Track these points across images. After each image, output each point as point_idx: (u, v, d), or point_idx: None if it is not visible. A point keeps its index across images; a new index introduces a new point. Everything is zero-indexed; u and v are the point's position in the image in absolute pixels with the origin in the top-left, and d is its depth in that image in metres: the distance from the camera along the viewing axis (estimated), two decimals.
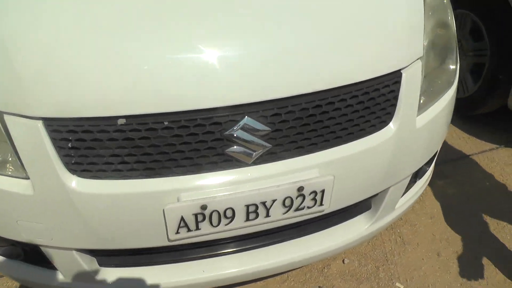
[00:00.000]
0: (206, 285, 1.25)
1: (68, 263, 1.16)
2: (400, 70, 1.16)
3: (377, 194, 1.32)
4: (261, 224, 1.11)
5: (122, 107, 0.95)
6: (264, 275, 1.32)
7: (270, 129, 1.02)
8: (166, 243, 1.10)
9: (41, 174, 0.99)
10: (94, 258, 1.20)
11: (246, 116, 1.00)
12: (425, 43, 1.26)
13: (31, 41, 0.95)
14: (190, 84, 0.95)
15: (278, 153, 1.06)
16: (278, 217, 1.11)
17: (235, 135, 1.00)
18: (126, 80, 0.94)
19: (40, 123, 0.96)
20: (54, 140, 0.97)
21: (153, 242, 1.10)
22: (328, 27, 1.06)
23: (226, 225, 1.07)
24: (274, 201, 1.07)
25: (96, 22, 0.97)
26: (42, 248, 1.13)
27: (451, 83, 1.41)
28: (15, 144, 0.97)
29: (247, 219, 1.08)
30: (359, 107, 1.11)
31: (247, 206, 1.05)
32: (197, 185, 1.02)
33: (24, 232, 1.08)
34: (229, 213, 1.05)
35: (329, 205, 1.15)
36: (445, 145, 2.34)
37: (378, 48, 1.12)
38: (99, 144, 0.98)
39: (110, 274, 1.22)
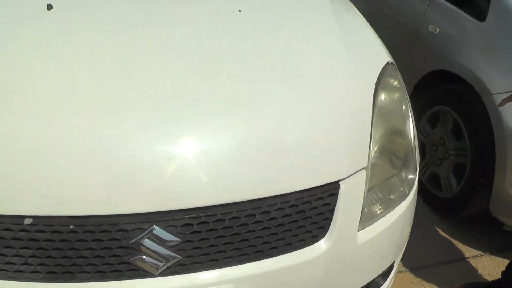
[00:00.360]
0: None
1: None
2: (338, 181, 1.11)
3: None
4: None
5: (28, 207, 0.93)
6: None
7: (179, 239, 0.97)
8: None
9: None
10: None
11: (154, 225, 0.96)
12: (373, 152, 1.21)
13: None
14: (96, 188, 0.93)
15: (188, 265, 1.00)
16: None
17: (141, 244, 0.95)
18: (33, 180, 0.93)
19: None
20: None
21: None
22: (250, 131, 1.04)
23: None
24: None
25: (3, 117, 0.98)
26: None
27: (406, 195, 1.32)
28: None
29: None
30: (285, 221, 1.05)
31: None
32: None
33: None
34: None
35: None
36: (425, 247, 2.21)
37: (310, 157, 1.07)
38: (2, 243, 0.95)
39: None
